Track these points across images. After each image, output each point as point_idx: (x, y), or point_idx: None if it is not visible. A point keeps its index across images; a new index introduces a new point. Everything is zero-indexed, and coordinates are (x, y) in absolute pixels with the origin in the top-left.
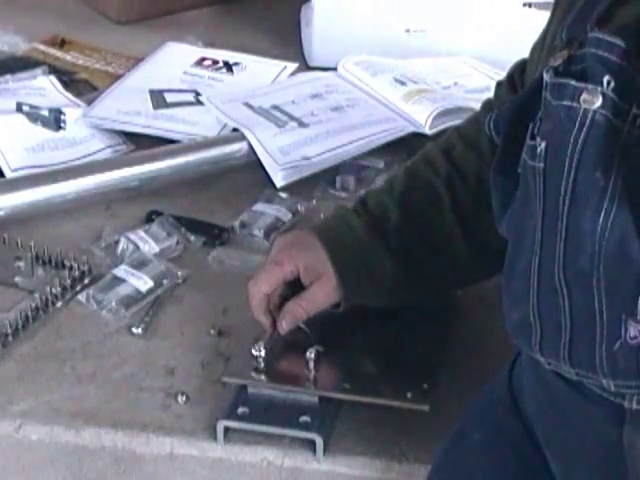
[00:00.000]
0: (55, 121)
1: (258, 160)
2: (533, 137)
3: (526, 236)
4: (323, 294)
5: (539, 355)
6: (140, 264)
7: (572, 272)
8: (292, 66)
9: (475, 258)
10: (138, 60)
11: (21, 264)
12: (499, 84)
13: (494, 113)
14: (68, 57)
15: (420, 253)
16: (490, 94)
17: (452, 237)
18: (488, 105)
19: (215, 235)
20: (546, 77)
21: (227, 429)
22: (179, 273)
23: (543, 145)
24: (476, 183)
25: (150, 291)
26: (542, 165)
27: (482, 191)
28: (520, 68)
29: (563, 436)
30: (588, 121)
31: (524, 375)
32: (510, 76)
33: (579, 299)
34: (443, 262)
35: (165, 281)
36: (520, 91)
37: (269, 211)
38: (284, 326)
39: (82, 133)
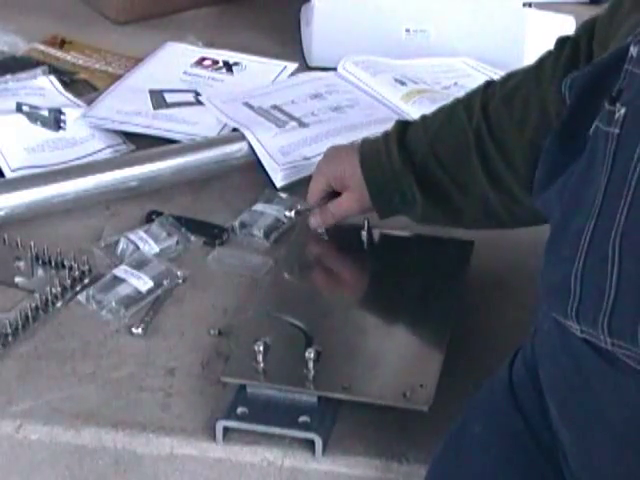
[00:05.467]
0: (55, 121)
1: (258, 160)
2: (612, 103)
3: (583, 201)
4: (351, 201)
5: (573, 321)
6: (140, 264)
7: (629, 240)
8: (292, 66)
9: (502, 203)
10: (138, 60)
11: (21, 264)
12: (563, 40)
13: (572, 75)
14: (68, 57)
15: (448, 188)
16: None
17: (476, 178)
18: (539, 63)
19: (215, 235)
20: (633, 49)
21: (227, 429)
22: (179, 273)
23: (622, 111)
24: (501, 139)
25: (150, 291)
26: (617, 131)
27: (506, 148)
28: (588, 35)
29: (585, 403)
30: None
31: (544, 343)
32: (576, 41)
33: (630, 268)
34: (472, 202)
35: (165, 281)
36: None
37: (269, 211)
38: (312, 224)
39: (82, 133)
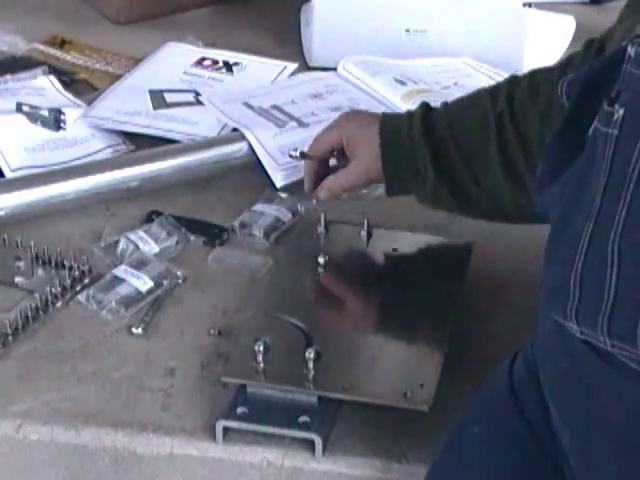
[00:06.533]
0: (55, 121)
1: (258, 160)
2: (611, 104)
3: (582, 202)
4: (360, 170)
5: (573, 323)
6: (140, 264)
7: (628, 242)
8: (292, 66)
9: (514, 197)
10: (138, 60)
11: (21, 264)
12: (591, 41)
13: (569, 76)
14: (68, 57)
15: (461, 172)
16: None
17: (492, 169)
18: (567, 61)
19: (215, 235)
20: (630, 50)
21: (227, 429)
22: (179, 273)
23: (621, 112)
24: (524, 131)
25: (150, 291)
26: (616, 132)
27: (527, 140)
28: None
29: (585, 404)
30: None
31: (544, 344)
32: (602, 42)
33: (629, 270)
34: (483, 191)
35: (165, 281)
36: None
37: (269, 211)
38: (320, 196)
39: (82, 133)
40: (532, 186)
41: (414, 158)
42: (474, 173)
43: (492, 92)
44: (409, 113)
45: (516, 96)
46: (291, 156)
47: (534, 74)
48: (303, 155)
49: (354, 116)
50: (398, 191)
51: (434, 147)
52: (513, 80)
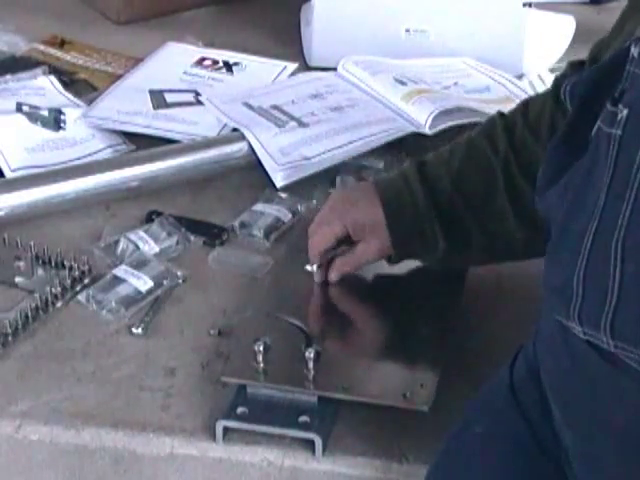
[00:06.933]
0: (55, 121)
1: (258, 160)
2: (614, 104)
3: (585, 203)
4: (370, 252)
5: (575, 323)
6: (140, 264)
7: (632, 242)
8: (292, 66)
9: (526, 238)
10: (138, 60)
11: (21, 264)
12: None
13: (572, 81)
14: (68, 57)
15: (471, 228)
16: (489, 94)
17: (504, 217)
18: (556, 82)
19: (215, 235)
20: (634, 51)
21: (227, 429)
22: (179, 273)
23: (625, 113)
24: (531, 166)
25: (150, 291)
26: (620, 132)
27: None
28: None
29: (588, 404)
30: None
31: (546, 344)
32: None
33: (632, 270)
34: (494, 239)
35: (165, 281)
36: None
37: (269, 211)
38: (332, 278)
39: (82, 133)
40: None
41: (421, 227)
42: (487, 229)
43: (489, 136)
44: (405, 180)
45: (516, 134)
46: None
47: (526, 107)
48: (320, 267)
49: (349, 201)
50: (407, 258)
51: (442, 212)
52: (507, 117)
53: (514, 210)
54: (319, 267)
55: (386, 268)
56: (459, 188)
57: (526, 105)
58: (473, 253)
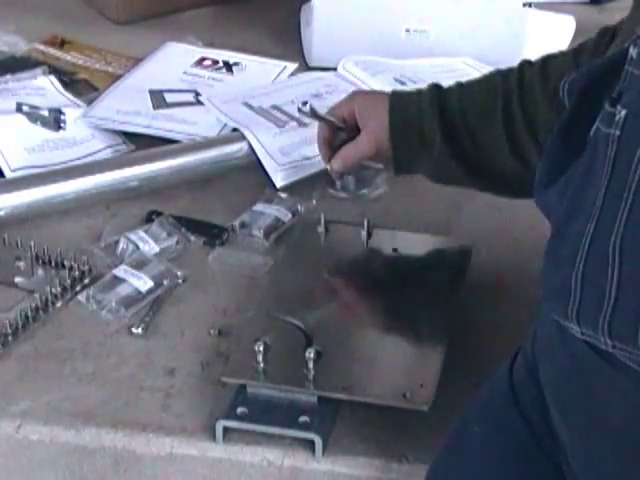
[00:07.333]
0: (55, 121)
1: (258, 160)
2: (613, 105)
3: (583, 203)
4: (370, 139)
5: (574, 323)
6: (140, 264)
7: (629, 243)
8: (292, 66)
9: (515, 171)
10: (138, 60)
11: (21, 264)
12: (605, 29)
13: (570, 76)
14: (68, 57)
15: (466, 139)
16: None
17: (497, 138)
18: (580, 47)
19: (215, 235)
20: (632, 51)
21: (227, 429)
22: (179, 273)
23: (623, 113)
24: (531, 109)
25: (150, 291)
26: (618, 133)
27: (533, 118)
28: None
29: (586, 404)
30: None
31: (544, 343)
32: (616, 31)
33: (630, 270)
34: (485, 158)
35: (165, 281)
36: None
37: (269, 211)
38: (334, 166)
39: (82, 133)
40: (535, 163)
41: (421, 125)
42: (479, 144)
43: (504, 72)
44: (419, 90)
45: (526, 76)
46: (299, 110)
47: (546, 59)
48: (313, 113)
49: (368, 91)
50: (404, 160)
51: (442, 116)
52: (526, 63)
53: (507, 135)
54: (329, 161)
55: (386, 268)
56: (462, 105)
57: (548, 56)
58: (464, 167)
